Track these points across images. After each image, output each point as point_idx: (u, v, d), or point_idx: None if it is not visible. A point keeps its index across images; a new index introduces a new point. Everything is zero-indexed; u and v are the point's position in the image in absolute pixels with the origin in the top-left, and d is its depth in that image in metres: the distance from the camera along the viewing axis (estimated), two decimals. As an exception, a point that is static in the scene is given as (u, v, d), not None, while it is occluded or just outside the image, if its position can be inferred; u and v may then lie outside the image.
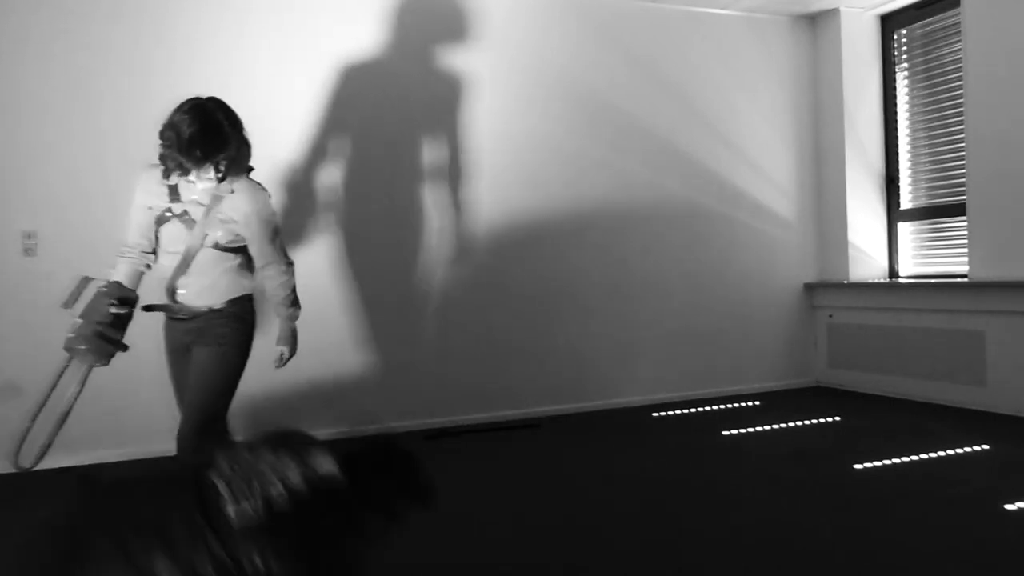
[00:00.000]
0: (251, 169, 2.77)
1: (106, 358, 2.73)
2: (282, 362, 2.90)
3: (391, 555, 2.74)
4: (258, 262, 2.79)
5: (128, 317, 2.71)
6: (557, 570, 2.58)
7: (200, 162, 2.53)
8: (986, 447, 3.92)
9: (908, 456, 3.78)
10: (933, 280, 5.28)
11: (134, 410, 4.28)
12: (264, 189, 2.77)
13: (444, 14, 4.91)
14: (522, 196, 5.08)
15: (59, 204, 4.18)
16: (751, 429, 4.52)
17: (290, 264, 2.84)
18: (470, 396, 4.93)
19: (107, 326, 2.65)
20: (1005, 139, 4.67)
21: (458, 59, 4.93)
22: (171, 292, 2.71)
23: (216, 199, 2.63)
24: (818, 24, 5.90)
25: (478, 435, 4.63)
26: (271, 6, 4.57)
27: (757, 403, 5.31)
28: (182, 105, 2.56)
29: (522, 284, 5.07)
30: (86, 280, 2.69)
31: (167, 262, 2.71)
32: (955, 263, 5.30)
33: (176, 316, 2.75)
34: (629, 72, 5.38)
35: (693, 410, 5.15)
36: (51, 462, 4.10)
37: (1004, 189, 4.70)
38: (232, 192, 2.64)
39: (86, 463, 4.14)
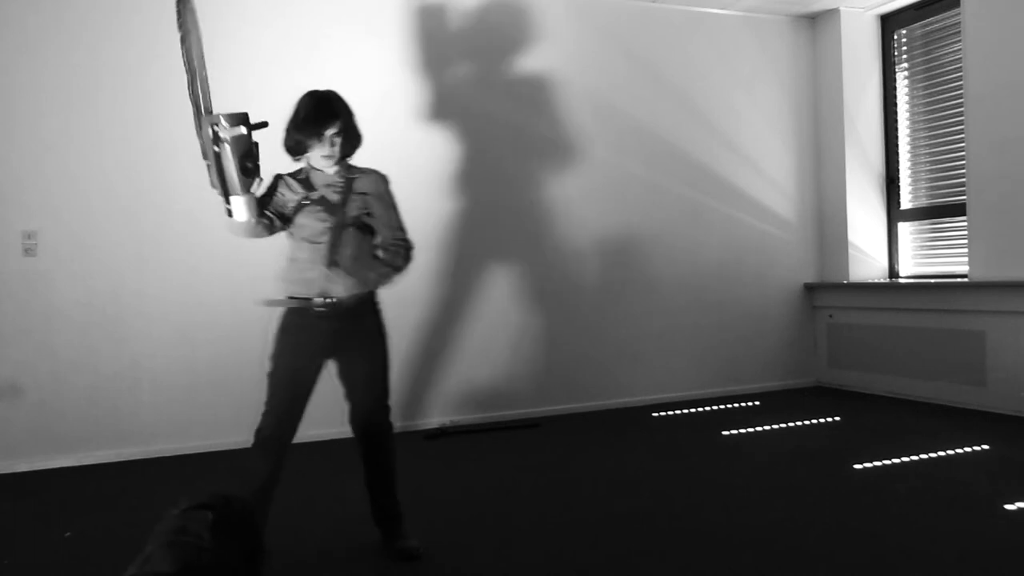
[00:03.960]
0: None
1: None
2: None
3: (381, 558, 2.74)
4: (381, 241, 2.80)
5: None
6: (557, 570, 2.58)
7: (313, 132, 2.62)
8: (986, 447, 3.92)
9: (908, 456, 3.78)
10: (933, 280, 5.28)
11: (134, 410, 4.28)
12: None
13: (444, 16, 4.91)
14: (521, 196, 5.08)
15: (59, 204, 4.18)
16: (751, 429, 4.52)
17: (412, 247, 2.83)
18: (470, 396, 4.94)
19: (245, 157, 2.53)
20: (1005, 139, 4.67)
21: (458, 59, 4.94)
22: (328, 283, 2.64)
23: (348, 179, 2.70)
24: (818, 24, 5.90)
25: (478, 435, 4.63)
26: (270, 5, 4.57)
27: (757, 403, 5.31)
28: (302, 94, 2.73)
29: (521, 284, 5.07)
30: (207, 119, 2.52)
31: (308, 255, 2.66)
32: (955, 263, 5.30)
33: (322, 308, 2.63)
34: (629, 72, 5.38)
35: (693, 410, 5.15)
36: (51, 462, 4.13)
37: (1004, 189, 4.70)
38: (358, 171, 2.75)
39: (85, 463, 4.14)
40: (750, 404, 5.29)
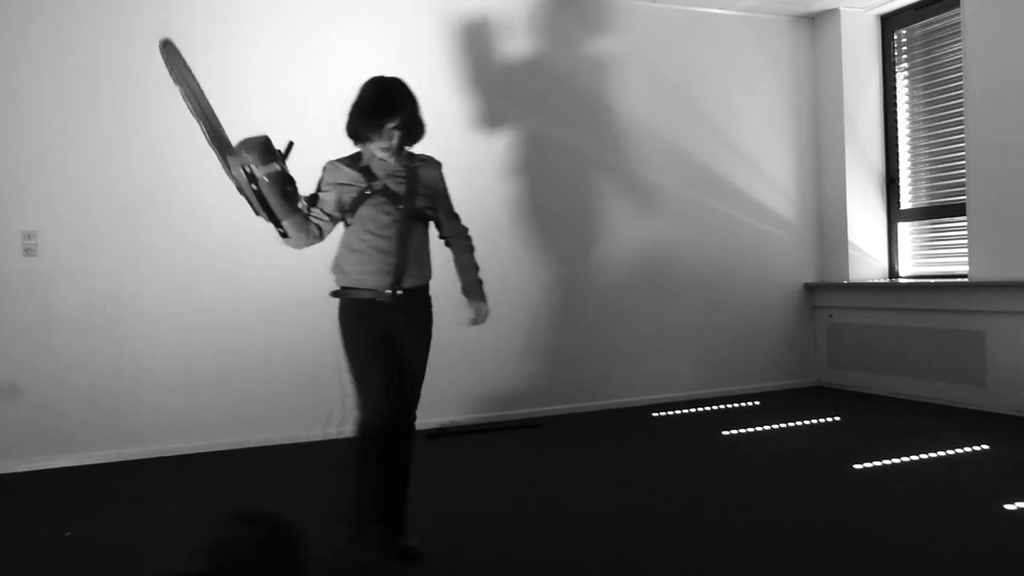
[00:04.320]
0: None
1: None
2: (482, 317, 2.90)
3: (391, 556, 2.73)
4: (446, 230, 2.83)
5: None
6: (557, 570, 2.58)
7: (375, 125, 2.56)
8: (986, 447, 3.92)
9: (908, 456, 3.78)
10: (933, 280, 5.28)
11: (134, 410, 4.28)
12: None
13: (444, 17, 4.91)
14: (520, 196, 5.08)
15: (59, 204, 4.18)
16: (751, 429, 4.52)
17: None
18: (470, 396, 4.94)
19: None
20: (1005, 139, 4.67)
21: (458, 59, 4.94)
22: (398, 274, 2.62)
23: (410, 169, 2.67)
24: (818, 24, 5.90)
25: (478, 435, 4.63)
26: (270, 5, 4.57)
27: (757, 403, 5.31)
28: (366, 80, 2.68)
29: (521, 285, 5.07)
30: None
31: (372, 246, 2.61)
32: (955, 263, 5.30)
33: (388, 300, 2.63)
34: (629, 72, 5.38)
35: (693, 410, 5.15)
36: (51, 462, 4.13)
37: (1004, 189, 4.70)
38: (419, 160, 2.72)
39: (85, 463, 4.14)
40: (750, 404, 5.29)
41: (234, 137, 2.52)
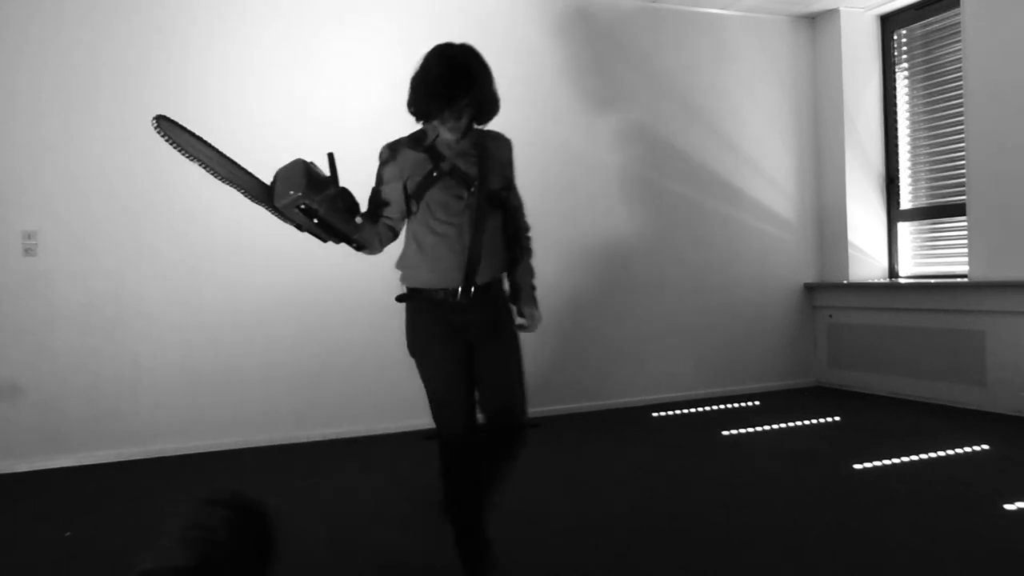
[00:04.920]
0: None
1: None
2: (535, 325, 2.56)
3: (390, 556, 2.74)
4: (511, 225, 2.54)
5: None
6: (557, 570, 2.58)
7: (445, 103, 2.22)
8: (986, 447, 3.92)
9: (908, 456, 3.78)
10: (933, 280, 5.28)
11: (134, 410, 4.28)
12: None
13: (444, 16, 4.91)
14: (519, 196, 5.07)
15: (59, 204, 4.18)
16: (751, 429, 4.52)
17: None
18: (470, 396, 4.93)
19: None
20: (1005, 139, 4.67)
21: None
22: (471, 267, 2.30)
23: (481, 146, 2.37)
24: (818, 24, 5.90)
25: (478, 435, 4.62)
26: (270, 5, 4.57)
27: (757, 403, 5.31)
28: (433, 48, 2.31)
29: (522, 284, 5.06)
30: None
31: (441, 237, 2.29)
32: (955, 263, 5.30)
33: (462, 299, 2.31)
34: (629, 72, 5.38)
35: (693, 410, 5.15)
36: (51, 462, 4.13)
37: (1004, 189, 4.70)
38: (490, 137, 2.42)
39: (85, 463, 4.14)
40: (750, 404, 5.29)
41: (242, 153, 2.39)
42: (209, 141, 2.22)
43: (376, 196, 2.36)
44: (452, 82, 2.22)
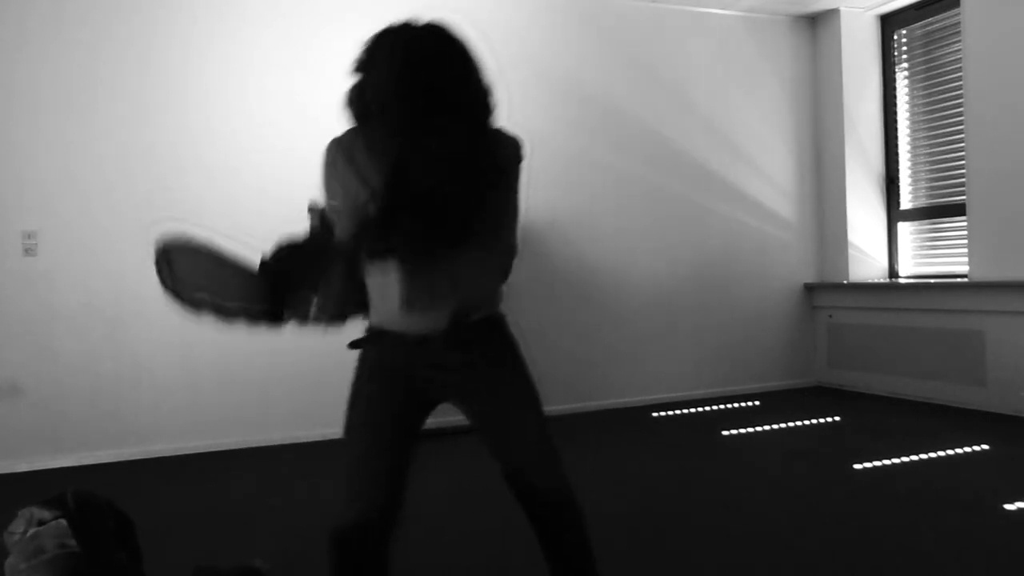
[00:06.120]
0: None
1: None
2: None
3: (390, 556, 2.73)
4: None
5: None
6: (557, 570, 2.57)
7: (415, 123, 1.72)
8: (986, 447, 3.92)
9: (908, 456, 3.78)
10: (933, 280, 5.28)
11: (134, 410, 4.28)
12: None
13: (444, 18, 4.90)
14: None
15: (59, 204, 4.18)
16: (751, 429, 4.52)
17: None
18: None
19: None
20: (1005, 139, 4.67)
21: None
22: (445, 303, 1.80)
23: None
24: (818, 24, 5.90)
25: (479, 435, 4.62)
26: (270, 5, 4.57)
27: (757, 403, 5.31)
28: (371, 42, 1.76)
29: (521, 284, 5.06)
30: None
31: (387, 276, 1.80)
32: (955, 263, 5.30)
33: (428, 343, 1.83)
34: (629, 72, 5.38)
35: (693, 410, 5.15)
36: (51, 462, 4.13)
37: (1004, 189, 4.70)
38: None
39: (86, 463, 4.14)
40: (750, 404, 5.29)
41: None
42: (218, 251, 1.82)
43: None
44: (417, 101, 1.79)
